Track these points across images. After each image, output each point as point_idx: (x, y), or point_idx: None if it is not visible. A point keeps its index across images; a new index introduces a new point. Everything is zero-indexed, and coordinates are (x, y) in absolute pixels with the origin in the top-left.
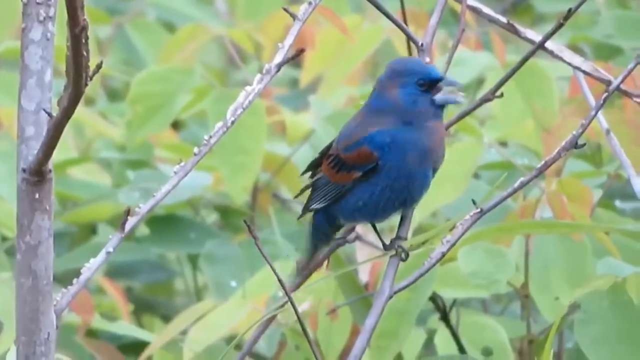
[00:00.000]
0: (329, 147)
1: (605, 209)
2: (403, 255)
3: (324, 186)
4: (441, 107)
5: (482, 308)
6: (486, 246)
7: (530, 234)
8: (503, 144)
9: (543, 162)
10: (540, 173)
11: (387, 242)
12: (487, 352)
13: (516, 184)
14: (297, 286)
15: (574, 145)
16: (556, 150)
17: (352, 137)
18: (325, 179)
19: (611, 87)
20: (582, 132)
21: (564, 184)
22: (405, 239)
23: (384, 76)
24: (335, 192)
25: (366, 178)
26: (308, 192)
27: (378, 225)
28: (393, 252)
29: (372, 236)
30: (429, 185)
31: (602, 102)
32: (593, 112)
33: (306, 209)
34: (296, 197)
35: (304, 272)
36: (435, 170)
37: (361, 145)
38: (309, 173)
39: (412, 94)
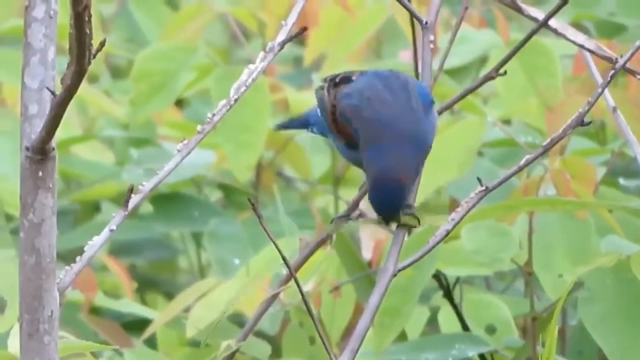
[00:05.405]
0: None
1: (609, 187)
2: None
3: (323, 110)
4: None
5: (486, 286)
6: (490, 224)
7: (533, 212)
8: (506, 122)
9: (549, 139)
10: (546, 151)
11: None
12: (490, 329)
13: (521, 162)
14: (301, 264)
15: (580, 123)
16: (562, 129)
17: (351, 109)
18: (324, 104)
19: (617, 65)
20: (589, 110)
21: (567, 161)
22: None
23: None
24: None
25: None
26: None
27: None
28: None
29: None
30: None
31: (608, 79)
32: (600, 90)
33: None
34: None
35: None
36: None
37: (347, 122)
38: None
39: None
